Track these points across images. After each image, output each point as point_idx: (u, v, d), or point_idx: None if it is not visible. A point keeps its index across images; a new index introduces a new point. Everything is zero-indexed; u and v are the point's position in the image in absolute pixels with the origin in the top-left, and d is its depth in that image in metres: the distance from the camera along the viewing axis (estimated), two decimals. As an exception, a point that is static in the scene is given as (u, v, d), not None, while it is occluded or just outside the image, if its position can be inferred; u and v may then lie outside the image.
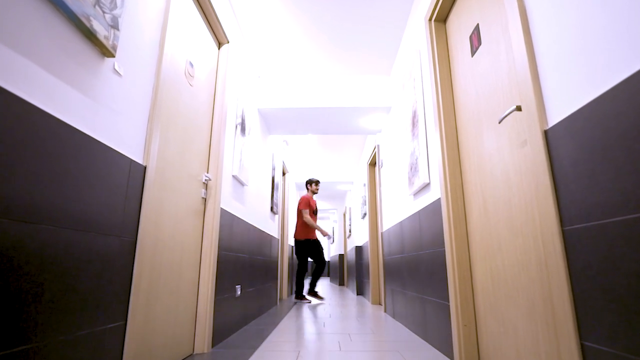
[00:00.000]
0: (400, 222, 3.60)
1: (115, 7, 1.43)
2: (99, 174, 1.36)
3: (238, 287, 3.22)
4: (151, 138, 1.72)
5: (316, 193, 6.36)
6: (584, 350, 1.08)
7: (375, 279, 5.58)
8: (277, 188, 5.59)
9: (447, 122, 2.37)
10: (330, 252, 18.12)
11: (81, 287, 1.25)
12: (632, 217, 0.92)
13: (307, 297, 6.04)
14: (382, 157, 4.76)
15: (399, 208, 3.71)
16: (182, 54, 2.25)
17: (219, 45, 2.98)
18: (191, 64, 2.39)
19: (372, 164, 6.00)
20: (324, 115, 4.49)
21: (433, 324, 2.57)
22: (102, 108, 1.40)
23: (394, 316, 4.00)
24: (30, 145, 1.05)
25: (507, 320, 1.72)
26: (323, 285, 11.33)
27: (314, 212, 6.16)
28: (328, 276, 20.07)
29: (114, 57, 1.44)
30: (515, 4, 1.45)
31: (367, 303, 5.72)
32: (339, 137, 6.57)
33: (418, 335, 2.98)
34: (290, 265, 7.27)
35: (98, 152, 1.35)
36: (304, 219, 5.95)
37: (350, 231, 9.05)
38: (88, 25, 1.27)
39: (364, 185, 6.45)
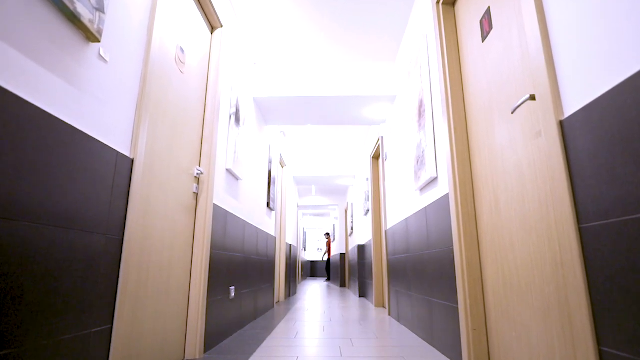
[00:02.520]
0: (406, 219, 3.60)
1: (100, -13, 1.42)
2: (83, 167, 1.35)
3: (232, 289, 3.23)
4: (139, 129, 1.72)
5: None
6: (602, 356, 1.08)
7: (379, 280, 5.60)
8: (275, 182, 5.59)
9: (456, 112, 2.36)
10: (331, 251, 18.15)
11: (64, 288, 1.25)
12: (655, 214, 0.92)
13: None
14: (387, 150, 4.75)
15: (404, 204, 3.71)
16: (172, 38, 2.24)
17: (212, 29, 2.97)
18: (182, 50, 2.38)
19: (376, 156, 6.00)
20: (324, 105, 4.48)
21: (441, 328, 2.58)
22: (87, 97, 1.39)
23: (398, 320, 4.02)
24: (9, 136, 1.04)
25: (519, 324, 1.72)
26: (323, 287, 11.38)
27: None
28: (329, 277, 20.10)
29: (99, 42, 1.43)
30: (530, -15, 1.44)
31: (370, 306, 5.74)
32: (340, 128, 6.55)
33: (424, 340, 2.99)
34: (288, 265, 7.29)
35: (82, 143, 1.35)
36: None
37: (352, 229, 9.06)
38: (72, 7, 1.26)
39: (367, 179, 6.45)
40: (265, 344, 2.90)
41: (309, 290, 9.64)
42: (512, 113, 1.63)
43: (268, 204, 5.07)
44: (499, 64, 1.89)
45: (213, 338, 2.74)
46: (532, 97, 1.52)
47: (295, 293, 8.33)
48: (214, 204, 2.79)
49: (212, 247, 2.70)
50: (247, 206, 3.89)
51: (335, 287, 11.15)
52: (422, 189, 3.06)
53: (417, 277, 3.19)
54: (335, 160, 8.29)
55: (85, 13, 1.33)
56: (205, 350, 2.55)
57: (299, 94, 4.25)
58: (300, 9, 3.43)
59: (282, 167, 6.98)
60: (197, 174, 2.56)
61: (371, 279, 5.99)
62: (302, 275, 16.15)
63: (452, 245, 2.33)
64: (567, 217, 1.21)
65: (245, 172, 3.82)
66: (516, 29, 1.72)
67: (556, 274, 1.43)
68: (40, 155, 1.15)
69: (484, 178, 2.09)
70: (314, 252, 21.02)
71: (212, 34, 2.97)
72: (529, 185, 1.62)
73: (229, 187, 3.22)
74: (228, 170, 3.19)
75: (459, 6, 2.44)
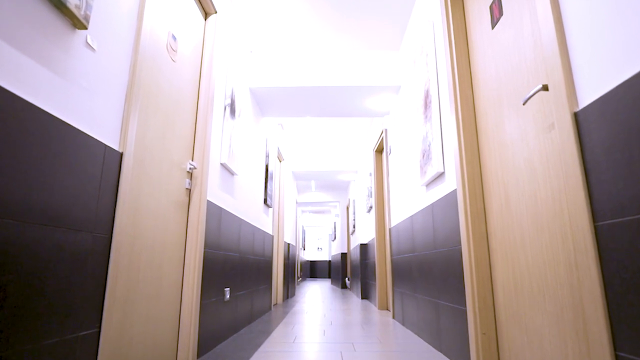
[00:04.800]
0: (411, 216, 3.60)
1: (86, -30, 1.41)
2: (69, 161, 1.35)
3: (227, 290, 3.24)
4: (128, 121, 1.71)
5: None
6: (617, 361, 1.09)
7: (383, 281, 5.61)
8: (272, 178, 5.59)
9: (463, 103, 2.35)
10: (331, 250, 18.19)
11: (49, 290, 1.25)
12: (674, 212, 0.92)
13: None
14: (391, 143, 4.75)
15: (409, 200, 3.72)
16: (164, 25, 2.23)
17: (206, 15, 2.96)
18: (174, 37, 2.37)
19: (379, 150, 5.99)
20: (324, 96, 4.47)
21: (448, 332, 2.59)
22: (73, 87, 1.39)
23: (403, 323, 4.03)
24: (-11, 129, 1.04)
25: (531, 328, 1.73)
26: (322, 288, 11.40)
27: None
28: (329, 277, 20.19)
29: (86, 29, 1.42)
30: (544, -32, 1.43)
31: (374, 308, 5.76)
32: (342, 120, 6.55)
33: (431, 344, 3.00)
34: (286, 265, 7.31)
35: (68, 136, 1.35)
36: None
37: (354, 227, 9.06)
38: (54, -9, 1.25)
39: (370, 174, 6.45)
40: (262, 348, 2.91)
41: (308, 292, 9.66)
42: (524, 104, 1.63)
43: (265, 201, 5.08)
44: (510, 52, 1.89)
45: (207, 342, 2.75)
46: (545, 88, 1.51)
47: (293, 295, 8.35)
48: (208, 201, 2.79)
49: (205, 246, 2.70)
50: (242, 203, 3.89)
51: (336, 289, 11.18)
52: (429, 184, 3.06)
53: (423, 278, 3.19)
54: (336, 155, 8.28)
55: (70, -2, 1.32)
56: (198, 355, 2.56)
57: (298, 84, 4.24)
58: (299, -7, 3.42)
59: (280, 161, 6.98)
60: (190, 168, 2.56)
61: (374, 280, 6.00)
62: (301, 276, 16.18)
63: (460, 245, 2.33)
64: (582, 214, 1.21)
65: (240, 166, 3.82)
66: (528, 15, 1.72)
67: (570, 275, 1.44)
68: (23, 148, 1.15)
69: (494, 173, 2.08)
70: (313, 252, 21.04)
71: (205, 20, 2.96)
72: (541, 181, 1.62)
73: (223, 183, 3.22)
74: (223, 165, 3.19)
75: (468, -10, 2.43)
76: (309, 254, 20.74)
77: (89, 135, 1.46)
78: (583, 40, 1.25)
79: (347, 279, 10.65)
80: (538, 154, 1.65)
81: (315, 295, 8.38)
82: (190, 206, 2.60)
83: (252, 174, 4.41)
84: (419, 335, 3.36)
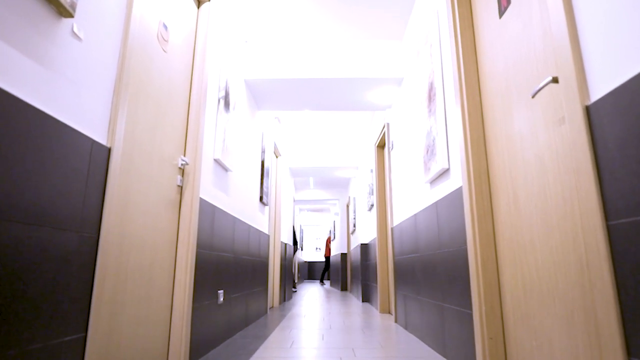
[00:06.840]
0: (414, 215, 3.60)
1: (71, -45, 1.41)
2: (54, 157, 1.35)
3: (220, 293, 3.24)
4: (117, 114, 1.71)
5: None
6: (630, 367, 1.09)
7: (384, 283, 5.62)
8: (268, 174, 5.59)
9: (470, 96, 2.35)
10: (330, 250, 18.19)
11: (32, 292, 1.25)
12: (691, 210, 0.92)
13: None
14: (393, 138, 4.74)
15: (412, 198, 3.72)
16: (154, 14, 2.23)
17: (199, 3, 2.95)
18: (165, 26, 2.36)
19: (381, 145, 5.99)
20: (323, 88, 4.47)
21: (453, 337, 2.59)
22: (58, 78, 1.38)
23: (406, 327, 4.04)
24: (-31, 122, 1.03)
25: (540, 332, 1.73)
26: (320, 290, 11.42)
27: None
28: (328, 279, 20.22)
29: (72, 17, 1.42)
30: (555, -47, 1.43)
31: (375, 311, 5.77)
32: (342, 114, 6.54)
33: (435, 350, 3.00)
34: (283, 266, 7.31)
35: (53, 130, 1.34)
36: None
37: (354, 226, 9.07)
38: (38, -23, 1.25)
39: (371, 171, 6.45)
40: (257, 354, 2.91)
41: (306, 294, 9.67)
42: (533, 97, 1.63)
43: (261, 198, 5.07)
44: (518, 43, 1.88)
45: (199, 348, 2.75)
46: (555, 80, 1.51)
47: (290, 298, 8.36)
48: (201, 198, 2.79)
49: (198, 246, 2.70)
50: (237, 200, 3.89)
51: (336, 291, 11.19)
52: (433, 181, 3.06)
53: (427, 279, 3.19)
54: (336, 150, 8.27)
55: (54, -16, 1.32)
56: (191, 361, 2.57)
57: (296, 76, 4.23)
58: (296, -20, 3.41)
59: (277, 157, 6.98)
60: (182, 164, 2.56)
61: (375, 281, 6.01)
62: (298, 277, 16.18)
63: (466, 245, 2.33)
64: (594, 213, 1.21)
65: (235, 162, 3.81)
66: (537, 3, 1.71)
67: (581, 277, 1.44)
68: (6, 143, 1.15)
69: (501, 170, 2.08)
70: (312, 252, 21.03)
71: (198, 8, 2.95)
72: (551, 178, 1.62)
73: (217, 180, 3.22)
74: (216, 161, 3.19)
75: (475, -23, 2.43)
76: (307, 255, 20.74)
77: (75, 130, 1.46)
78: (595, 29, 1.24)
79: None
80: (548, 150, 1.65)
81: (313, 298, 8.39)
82: (182, 204, 2.59)
83: (247, 170, 4.41)
84: (422, 340, 3.37)
